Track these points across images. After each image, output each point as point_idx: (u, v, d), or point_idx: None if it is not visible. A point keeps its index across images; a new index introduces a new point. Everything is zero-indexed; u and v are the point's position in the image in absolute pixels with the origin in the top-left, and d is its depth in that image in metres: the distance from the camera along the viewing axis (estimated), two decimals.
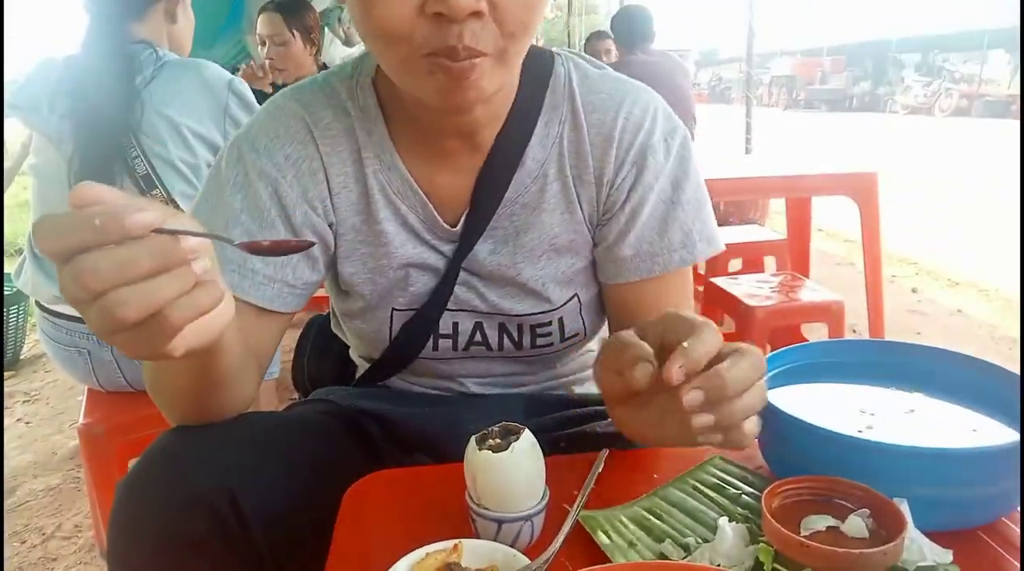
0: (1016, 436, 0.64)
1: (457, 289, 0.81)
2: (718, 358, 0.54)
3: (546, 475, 0.61)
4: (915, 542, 0.54)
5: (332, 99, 0.77)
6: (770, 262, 3.23)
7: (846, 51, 25.47)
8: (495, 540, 0.58)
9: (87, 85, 1.50)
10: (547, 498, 0.61)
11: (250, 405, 0.76)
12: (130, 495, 0.66)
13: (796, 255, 3.05)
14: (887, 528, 0.53)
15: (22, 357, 3.27)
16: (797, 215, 3.09)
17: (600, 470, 0.68)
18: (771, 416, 0.60)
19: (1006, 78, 18.67)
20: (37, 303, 1.61)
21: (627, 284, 0.81)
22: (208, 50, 3.63)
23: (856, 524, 0.54)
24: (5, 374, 3.09)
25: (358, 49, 4.13)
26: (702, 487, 0.67)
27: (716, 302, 2.51)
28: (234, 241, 0.49)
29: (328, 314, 1.02)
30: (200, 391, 0.67)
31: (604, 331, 0.95)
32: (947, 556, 0.54)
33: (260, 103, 0.94)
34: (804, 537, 0.53)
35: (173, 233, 0.44)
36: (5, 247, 4.27)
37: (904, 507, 0.54)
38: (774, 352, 0.75)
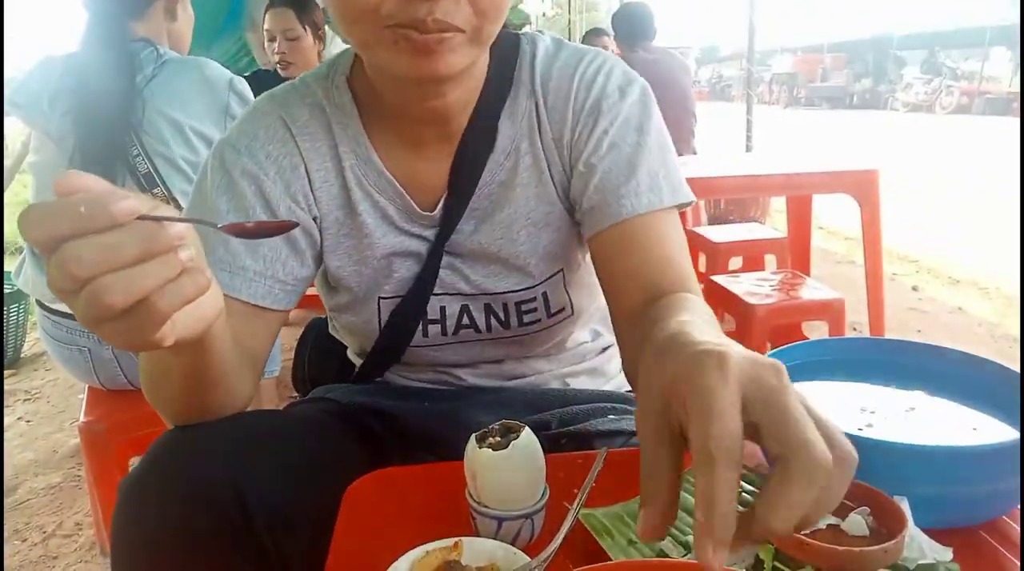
0: (1016, 434, 0.64)
1: (441, 273, 0.82)
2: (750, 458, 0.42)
3: (546, 473, 0.61)
4: (915, 540, 0.54)
5: (308, 98, 0.79)
6: (771, 260, 3.23)
7: (847, 48, 25.41)
8: (495, 538, 0.58)
9: (88, 83, 1.50)
10: (547, 496, 0.61)
11: (248, 405, 0.76)
12: (133, 493, 0.66)
13: (797, 253, 3.05)
14: (887, 526, 0.53)
15: (23, 355, 3.27)
16: (798, 213, 3.09)
17: (600, 468, 0.68)
18: None
19: (1007, 75, 18.59)
20: (37, 301, 1.61)
21: (605, 234, 0.76)
22: (208, 48, 3.63)
23: (856, 522, 0.54)
24: (6, 372, 3.09)
25: None
26: None
27: (717, 300, 2.51)
28: (224, 235, 0.49)
29: (327, 317, 1.03)
30: (194, 390, 0.67)
31: (595, 319, 0.95)
32: (947, 554, 0.54)
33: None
34: (804, 535, 0.53)
35: (158, 220, 0.43)
36: (5, 246, 4.27)
37: (904, 505, 0.54)
38: (774, 350, 0.75)
